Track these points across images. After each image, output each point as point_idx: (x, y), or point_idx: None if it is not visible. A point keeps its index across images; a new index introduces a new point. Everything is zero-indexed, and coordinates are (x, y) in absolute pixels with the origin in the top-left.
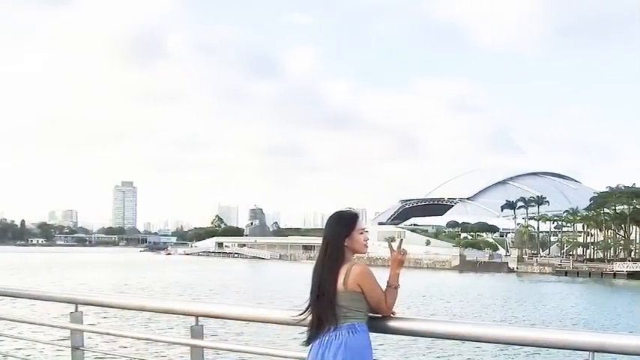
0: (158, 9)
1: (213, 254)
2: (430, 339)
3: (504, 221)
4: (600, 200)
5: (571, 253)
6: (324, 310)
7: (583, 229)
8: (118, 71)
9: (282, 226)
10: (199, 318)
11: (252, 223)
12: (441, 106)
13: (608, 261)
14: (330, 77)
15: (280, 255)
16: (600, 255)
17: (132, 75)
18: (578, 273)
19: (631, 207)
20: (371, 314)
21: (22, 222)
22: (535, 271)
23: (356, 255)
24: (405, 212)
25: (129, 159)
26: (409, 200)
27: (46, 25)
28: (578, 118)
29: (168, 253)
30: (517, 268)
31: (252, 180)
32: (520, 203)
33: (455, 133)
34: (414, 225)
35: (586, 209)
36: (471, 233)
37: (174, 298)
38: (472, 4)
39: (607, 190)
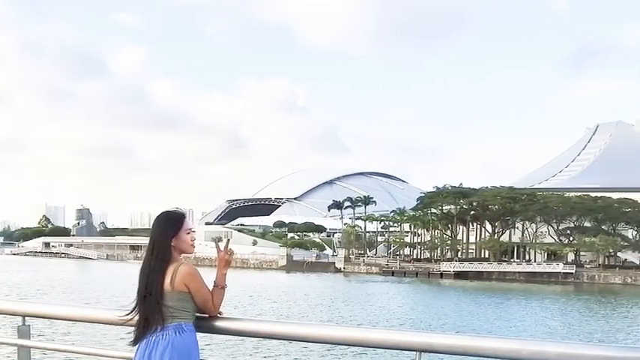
0: None
1: (40, 254)
2: (257, 339)
3: (331, 221)
4: (427, 200)
5: (398, 253)
6: (150, 310)
7: (410, 229)
8: None
9: (109, 226)
10: (26, 318)
11: (79, 223)
12: (269, 106)
13: (436, 261)
14: (158, 78)
15: (107, 255)
16: (427, 255)
17: None
18: (405, 273)
19: (457, 207)
20: (198, 314)
21: None
22: (362, 271)
23: (183, 255)
24: (233, 212)
25: None
26: (236, 200)
27: None
28: (406, 118)
29: None
30: (344, 268)
31: (79, 180)
32: (347, 203)
33: (283, 133)
34: (241, 225)
35: (413, 209)
36: (298, 233)
37: (1, 298)
38: (300, 4)
39: (434, 190)
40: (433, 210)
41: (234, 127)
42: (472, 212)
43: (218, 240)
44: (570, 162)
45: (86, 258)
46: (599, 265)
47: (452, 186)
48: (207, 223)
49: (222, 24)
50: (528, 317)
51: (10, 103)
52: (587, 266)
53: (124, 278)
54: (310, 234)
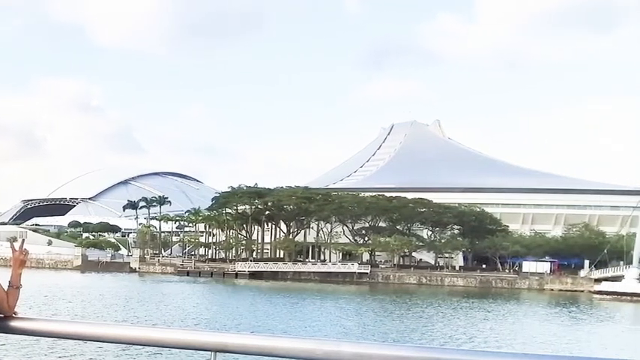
0: None
1: None
2: (52, 339)
3: (126, 221)
4: (222, 200)
5: (193, 253)
6: None
7: (205, 229)
8: None
9: None
10: None
11: None
12: (64, 105)
13: (231, 261)
14: None
15: None
16: (223, 255)
17: None
18: (200, 273)
19: (252, 207)
20: None
21: None
22: (157, 271)
23: None
24: (28, 212)
25: None
26: (31, 200)
27: None
28: (202, 118)
29: None
30: (139, 268)
31: None
32: (142, 203)
33: (77, 133)
34: (36, 225)
35: (208, 209)
36: (93, 233)
37: None
38: (93, 3)
39: (229, 190)
40: (228, 210)
41: (29, 126)
42: (267, 212)
43: (13, 240)
44: (365, 162)
45: None
46: (395, 265)
47: (247, 186)
48: (1, 223)
49: (15, 22)
50: (323, 317)
51: None
52: (383, 266)
53: None
54: (105, 234)
